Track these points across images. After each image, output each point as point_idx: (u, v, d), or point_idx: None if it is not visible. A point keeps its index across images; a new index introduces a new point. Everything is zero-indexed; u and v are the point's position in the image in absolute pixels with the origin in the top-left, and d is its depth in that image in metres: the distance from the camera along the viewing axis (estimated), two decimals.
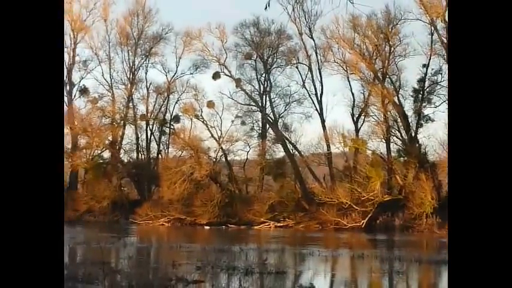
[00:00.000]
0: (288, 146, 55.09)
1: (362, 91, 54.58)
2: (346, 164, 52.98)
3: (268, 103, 57.61)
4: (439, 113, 50.90)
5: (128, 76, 61.06)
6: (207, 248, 28.19)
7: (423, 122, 51.40)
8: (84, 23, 61.98)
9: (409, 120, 51.14)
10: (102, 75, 61.35)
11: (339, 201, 46.97)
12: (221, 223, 50.27)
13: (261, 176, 56.19)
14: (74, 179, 60.78)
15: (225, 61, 57.87)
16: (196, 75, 60.07)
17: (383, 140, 51.28)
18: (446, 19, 42.69)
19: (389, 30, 51.94)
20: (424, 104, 51.72)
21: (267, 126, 57.66)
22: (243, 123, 58.17)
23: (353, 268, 24.42)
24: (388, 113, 51.20)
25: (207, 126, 57.01)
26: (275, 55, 58.23)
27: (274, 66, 58.32)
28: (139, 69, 61.24)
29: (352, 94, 54.29)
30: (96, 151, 60.67)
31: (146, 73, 61.39)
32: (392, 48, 52.16)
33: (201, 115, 57.64)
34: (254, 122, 58.66)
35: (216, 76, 58.22)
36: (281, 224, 48.94)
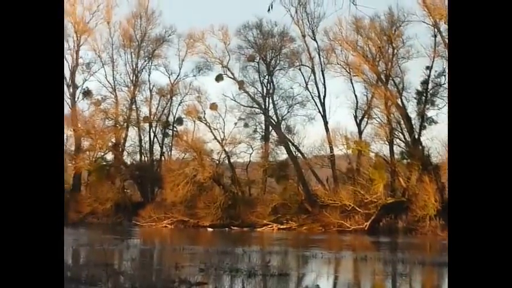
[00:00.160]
0: (291, 148, 55.08)
1: (365, 93, 54.58)
2: (349, 166, 52.91)
3: (271, 105, 57.64)
4: (442, 115, 50.72)
5: (131, 78, 61.13)
6: (210, 250, 28.20)
7: (426, 124, 51.34)
8: (87, 25, 62.09)
9: (413, 122, 51.00)
10: (105, 78, 61.44)
11: (342, 204, 46.92)
12: (224, 225, 50.25)
13: (264, 178, 56.18)
14: (77, 181, 60.89)
15: (228, 63, 57.98)
16: (199, 77, 60.15)
17: (386, 142, 51.22)
18: None
19: (393, 32, 51.84)
20: (427, 106, 51.61)
21: (270, 128, 57.64)
22: (246, 125, 58.19)
23: (356, 270, 24.39)
24: (391, 115, 51.13)
25: (210, 129, 57.05)
26: (278, 57, 58.21)
27: (277, 68, 58.31)
28: (142, 71, 61.34)
29: (355, 96, 54.29)
30: (99, 153, 60.71)
31: (149, 75, 61.53)
32: (395, 50, 52.07)
33: (204, 117, 57.68)
34: (257, 124, 58.65)
35: (219, 78, 58.25)
36: (284, 226, 48.92)
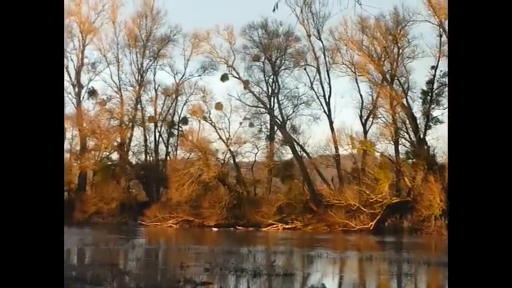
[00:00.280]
0: (296, 147, 55.08)
1: (370, 93, 54.59)
2: (354, 166, 52.89)
3: (276, 105, 57.71)
4: (447, 114, 50.62)
5: (136, 78, 61.24)
6: (215, 250, 28.20)
7: (432, 124, 51.28)
8: (92, 25, 62.21)
9: (418, 122, 50.97)
10: (111, 77, 61.56)
11: (347, 203, 46.89)
12: (229, 225, 50.30)
13: (269, 178, 56.23)
14: (82, 180, 61.04)
15: (233, 63, 58.05)
16: (205, 77, 60.31)
17: (391, 142, 51.20)
18: None
19: (398, 31, 51.79)
20: (432, 106, 51.56)
21: (275, 128, 57.66)
22: (251, 125, 58.21)
23: (361, 270, 24.36)
24: (397, 114, 51.10)
25: (215, 128, 57.10)
26: (283, 57, 58.24)
27: (282, 68, 58.38)
28: (147, 71, 61.46)
29: (361, 96, 54.31)
30: (104, 153, 60.91)
31: (154, 75, 61.69)
32: (400, 50, 52.02)
33: (209, 117, 57.81)
34: (262, 124, 58.73)
35: (224, 78, 58.32)
36: (289, 226, 48.92)
